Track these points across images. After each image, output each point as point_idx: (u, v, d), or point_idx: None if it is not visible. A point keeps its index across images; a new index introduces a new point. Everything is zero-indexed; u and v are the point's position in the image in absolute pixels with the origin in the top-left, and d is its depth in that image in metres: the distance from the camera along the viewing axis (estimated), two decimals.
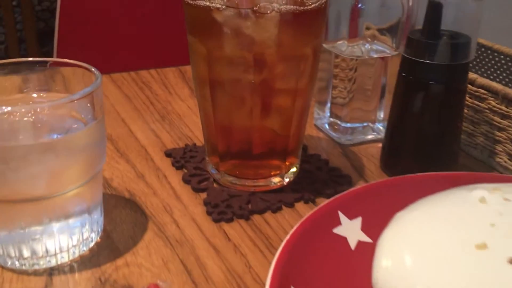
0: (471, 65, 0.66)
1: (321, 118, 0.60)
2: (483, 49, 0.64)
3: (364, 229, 0.37)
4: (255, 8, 0.40)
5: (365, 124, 0.58)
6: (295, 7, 0.40)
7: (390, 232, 0.30)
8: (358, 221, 0.38)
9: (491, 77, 0.63)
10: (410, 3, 0.47)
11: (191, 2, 0.41)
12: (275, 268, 0.31)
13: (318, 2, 0.41)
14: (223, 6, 0.39)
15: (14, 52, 1.44)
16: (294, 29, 0.41)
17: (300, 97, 0.45)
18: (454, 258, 0.26)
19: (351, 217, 0.38)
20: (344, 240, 0.36)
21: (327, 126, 0.59)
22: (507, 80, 0.62)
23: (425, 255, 0.27)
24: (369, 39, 0.56)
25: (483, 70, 0.64)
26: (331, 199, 0.39)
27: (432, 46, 0.45)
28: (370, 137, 0.58)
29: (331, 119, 0.58)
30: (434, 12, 0.45)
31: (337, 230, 0.37)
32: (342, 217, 0.38)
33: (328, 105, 0.58)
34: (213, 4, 0.40)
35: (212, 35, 0.41)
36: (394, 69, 0.51)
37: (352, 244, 0.36)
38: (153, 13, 1.03)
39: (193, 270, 0.38)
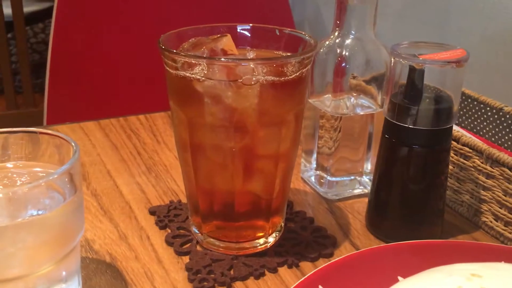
0: (460, 117, 0.66)
1: (308, 171, 0.60)
2: (469, 100, 0.64)
3: None
4: (240, 81, 0.40)
5: (352, 177, 0.58)
6: (276, 78, 0.40)
7: None
8: None
9: (478, 128, 0.63)
10: (392, 64, 0.47)
11: (173, 71, 0.41)
12: None
13: (299, 72, 0.41)
14: (203, 78, 0.40)
15: (8, 84, 1.44)
16: (275, 97, 0.42)
17: (282, 161, 0.45)
18: None
19: None
20: None
21: (313, 179, 0.59)
22: (493, 132, 0.62)
23: None
24: (354, 93, 0.57)
25: (470, 120, 0.65)
26: (312, 272, 0.38)
27: (415, 111, 0.45)
28: (357, 191, 0.58)
29: (317, 172, 0.58)
30: (416, 77, 0.45)
31: None
32: None
33: (314, 155, 0.58)
34: (193, 75, 0.40)
35: (192, 103, 0.41)
36: (381, 117, 0.50)
37: None
38: (145, 56, 1.03)
39: None
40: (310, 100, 0.57)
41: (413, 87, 0.45)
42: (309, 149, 0.59)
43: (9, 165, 0.39)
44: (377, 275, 0.35)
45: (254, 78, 0.40)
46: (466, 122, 0.65)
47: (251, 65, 0.40)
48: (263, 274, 0.45)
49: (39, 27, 1.52)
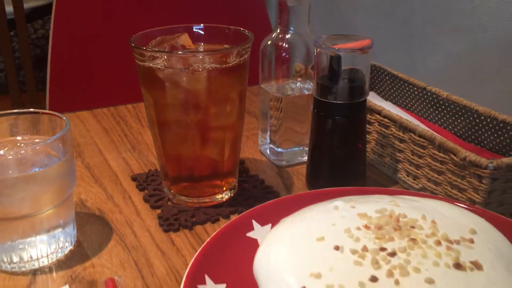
0: (395, 94, 0.79)
1: (264, 144, 0.72)
2: (401, 82, 0.76)
3: None
4: (191, 68, 0.52)
5: (300, 147, 0.70)
6: (220, 65, 0.52)
7: (270, 232, 0.42)
8: (268, 227, 0.49)
9: (405, 103, 0.76)
10: (316, 54, 0.59)
11: (140, 63, 0.53)
12: (194, 260, 0.43)
13: (238, 60, 0.53)
14: (163, 67, 0.52)
15: (12, 79, 1.56)
16: (220, 81, 0.54)
17: (230, 131, 0.57)
18: (302, 248, 0.37)
19: (262, 224, 0.49)
20: (255, 241, 0.48)
21: (268, 151, 0.71)
22: (420, 107, 0.74)
23: (285, 246, 0.38)
24: (299, 79, 0.69)
25: (401, 99, 0.77)
26: (248, 210, 0.51)
27: (335, 89, 0.57)
28: (304, 159, 0.70)
29: (270, 145, 0.70)
30: (334, 63, 0.57)
31: (250, 234, 0.48)
32: (255, 224, 0.49)
33: (268, 132, 0.70)
34: (155, 65, 0.52)
35: (157, 88, 0.54)
36: None
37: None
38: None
39: (143, 268, 0.50)
40: (261, 85, 0.69)
41: (332, 70, 0.57)
42: (264, 127, 0.71)
43: (18, 137, 0.52)
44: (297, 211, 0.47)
45: (202, 66, 0.52)
46: (399, 101, 0.77)
47: (200, 56, 0.52)
48: (218, 220, 0.57)
49: (38, 23, 1.65)
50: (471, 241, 0.38)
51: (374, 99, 0.76)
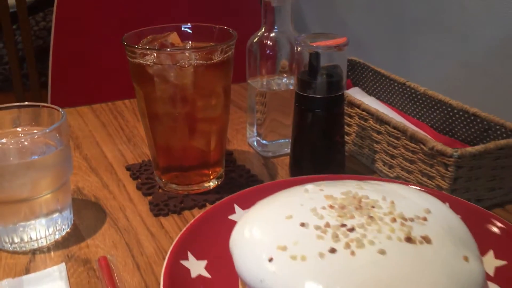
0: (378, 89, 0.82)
1: (251, 137, 0.76)
2: (383, 78, 0.80)
3: None
4: (178, 64, 0.56)
5: (286, 139, 0.74)
6: (205, 61, 0.57)
7: (246, 212, 0.46)
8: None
9: (387, 98, 0.80)
10: (296, 51, 0.63)
11: (131, 60, 0.58)
12: (179, 238, 0.47)
13: (222, 57, 0.58)
14: (152, 63, 0.56)
15: (16, 71, 1.60)
16: (206, 76, 0.58)
17: (216, 123, 0.61)
18: (272, 225, 0.42)
19: (243, 208, 0.54)
20: (236, 223, 0.52)
21: (255, 143, 0.75)
22: (400, 102, 0.78)
23: (257, 224, 0.42)
24: (285, 74, 0.73)
25: (384, 94, 0.81)
26: (231, 195, 0.55)
27: (314, 84, 0.61)
28: (289, 150, 0.74)
29: (257, 138, 0.74)
30: (313, 59, 0.61)
31: (231, 217, 0.53)
32: (237, 208, 0.53)
33: (255, 126, 0.74)
34: (145, 62, 0.56)
35: (147, 82, 0.58)
36: None
37: None
38: None
39: (133, 248, 0.54)
40: (248, 81, 0.73)
41: (311, 66, 0.61)
42: (251, 121, 0.75)
43: (19, 129, 0.56)
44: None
45: (188, 62, 0.56)
46: (381, 96, 0.81)
47: (186, 53, 0.56)
48: (204, 205, 0.61)
49: (39, 15, 1.70)
50: (425, 219, 0.42)
51: (358, 95, 0.80)
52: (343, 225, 0.40)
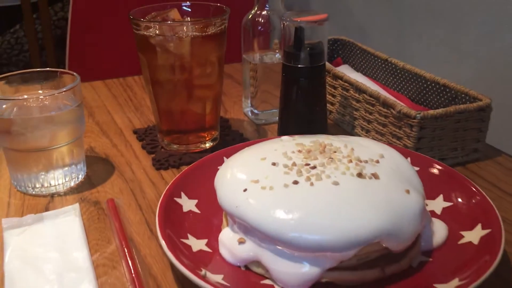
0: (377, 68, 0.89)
1: (246, 107, 0.84)
2: (369, 55, 0.87)
3: None
4: (177, 35, 0.64)
5: (277, 109, 0.82)
6: (200, 33, 0.65)
7: (230, 157, 0.54)
8: None
9: (372, 73, 0.87)
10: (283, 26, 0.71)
11: (136, 31, 0.66)
12: (174, 180, 0.56)
13: (216, 29, 0.66)
14: (154, 34, 0.64)
15: (35, 59, 1.70)
16: (202, 46, 0.66)
17: (212, 89, 0.69)
18: (248, 165, 0.50)
19: None
20: None
21: (249, 113, 0.84)
22: (383, 76, 0.85)
23: (236, 164, 0.51)
24: (277, 51, 0.81)
25: (368, 69, 0.88)
26: (221, 150, 0.63)
27: (298, 55, 0.69)
28: None
29: (251, 108, 0.82)
30: (298, 33, 0.68)
31: (220, 167, 0.61)
32: (225, 159, 0.62)
33: (249, 99, 0.82)
34: (148, 33, 0.65)
35: (150, 52, 0.66)
36: None
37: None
38: None
39: (137, 193, 0.63)
40: (243, 55, 0.81)
41: (296, 39, 0.69)
42: (246, 94, 0.83)
43: (40, 91, 0.65)
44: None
45: (186, 34, 0.64)
46: (368, 72, 0.88)
47: (184, 26, 0.65)
48: None
49: (58, 6, 1.79)
50: (377, 161, 0.50)
51: (346, 71, 0.88)
52: (307, 164, 0.48)
